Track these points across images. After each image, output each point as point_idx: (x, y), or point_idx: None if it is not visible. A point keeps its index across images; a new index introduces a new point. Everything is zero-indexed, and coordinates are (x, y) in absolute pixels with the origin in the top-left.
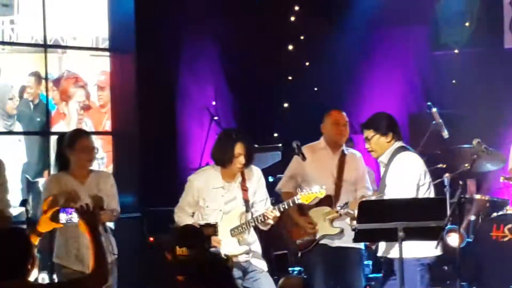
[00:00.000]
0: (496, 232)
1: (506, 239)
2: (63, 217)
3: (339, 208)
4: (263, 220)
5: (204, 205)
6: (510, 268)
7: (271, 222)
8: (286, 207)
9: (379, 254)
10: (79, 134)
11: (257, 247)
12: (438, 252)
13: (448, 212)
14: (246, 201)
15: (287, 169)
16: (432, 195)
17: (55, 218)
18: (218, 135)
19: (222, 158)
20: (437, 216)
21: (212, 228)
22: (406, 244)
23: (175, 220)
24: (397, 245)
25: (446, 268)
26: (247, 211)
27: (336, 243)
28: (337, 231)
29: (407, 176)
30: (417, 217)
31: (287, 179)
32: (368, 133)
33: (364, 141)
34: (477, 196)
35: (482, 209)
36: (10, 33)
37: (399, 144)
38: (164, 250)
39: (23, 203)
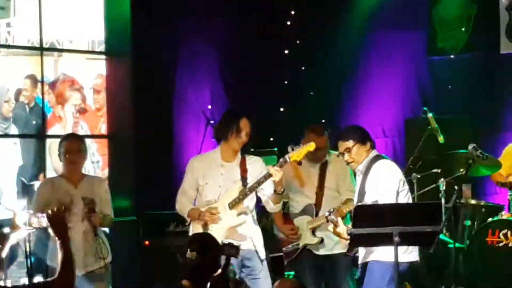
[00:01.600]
0: (492, 237)
1: (501, 244)
2: (34, 221)
3: (327, 214)
4: (256, 186)
5: (204, 183)
6: (506, 273)
7: (276, 178)
8: (283, 164)
9: (360, 261)
10: (66, 138)
11: (259, 238)
12: (412, 258)
13: (444, 217)
14: (244, 178)
15: None
16: (410, 201)
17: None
18: (223, 113)
19: (226, 131)
20: (433, 221)
21: (234, 249)
22: (383, 248)
23: (176, 209)
24: (374, 248)
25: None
26: (244, 185)
27: (321, 251)
28: (317, 240)
29: (386, 182)
30: (412, 222)
31: None
32: (347, 144)
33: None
34: (473, 201)
35: (478, 214)
36: (6, 35)
37: (375, 152)
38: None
39: None
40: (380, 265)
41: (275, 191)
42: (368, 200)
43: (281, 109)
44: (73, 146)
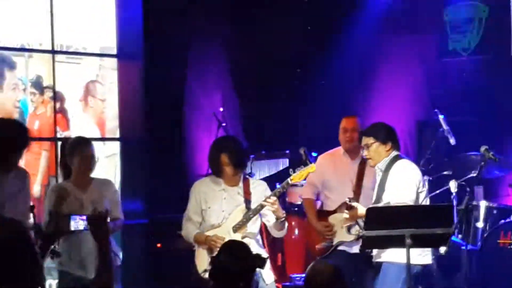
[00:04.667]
0: (504, 239)
1: None
2: (72, 224)
3: (348, 200)
4: (259, 208)
5: (207, 207)
6: None
7: (272, 208)
8: (282, 190)
9: (374, 260)
10: (79, 143)
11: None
12: (426, 260)
13: (455, 219)
14: (248, 201)
15: (308, 176)
16: (427, 202)
17: (65, 224)
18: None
19: (212, 169)
20: (444, 223)
21: (262, 261)
22: (398, 249)
23: (182, 235)
24: (387, 250)
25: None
26: (248, 208)
27: (354, 249)
28: (353, 238)
29: (408, 181)
30: (424, 224)
31: (307, 186)
32: (368, 140)
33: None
34: (485, 203)
35: (490, 216)
36: None
37: (396, 153)
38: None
39: (31, 209)
40: (395, 266)
41: (276, 218)
42: (386, 198)
43: (293, 111)
44: (89, 151)
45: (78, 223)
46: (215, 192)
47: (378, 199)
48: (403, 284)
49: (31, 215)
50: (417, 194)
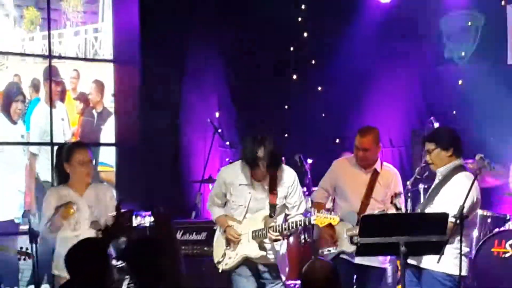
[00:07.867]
0: (498, 247)
1: (507, 255)
2: (135, 220)
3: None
4: (281, 230)
5: (231, 199)
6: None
7: (277, 237)
8: (302, 224)
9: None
10: (75, 148)
11: (282, 255)
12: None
13: None
14: (273, 206)
15: (321, 180)
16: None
17: (128, 220)
18: (242, 146)
19: (246, 160)
20: (439, 230)
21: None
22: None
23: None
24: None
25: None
26: (271, 216)
27: (357, 260)
28: (353, 249)
29: (471, 194)
30: (419, 231)
31: (319, 190)
32: (430, 146)
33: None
34: (479, 212)
35: (484, 225)
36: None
37: (459, 162)
38: None
39: (25, 213)
40: (453, 280)
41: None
42: (438, 206)
43: (289, 119)
44: (86, 156)
45: (142, 220)
46: (241, 186)
47: (428, 202)
48: None
49: (26, 219)
50: (472, 208)
